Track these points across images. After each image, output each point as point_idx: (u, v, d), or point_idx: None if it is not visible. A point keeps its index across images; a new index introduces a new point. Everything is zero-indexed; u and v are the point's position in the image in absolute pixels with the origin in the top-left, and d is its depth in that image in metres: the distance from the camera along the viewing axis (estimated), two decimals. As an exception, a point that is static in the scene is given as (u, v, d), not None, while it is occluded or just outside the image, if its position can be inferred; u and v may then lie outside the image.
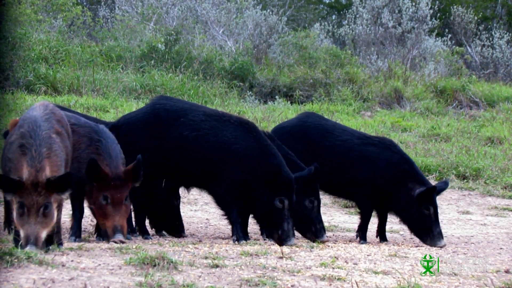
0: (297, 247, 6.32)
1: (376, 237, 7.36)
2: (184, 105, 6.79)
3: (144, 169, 6.17)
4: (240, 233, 6.56)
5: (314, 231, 6.86)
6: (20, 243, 5.04)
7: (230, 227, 7.77)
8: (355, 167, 7.15)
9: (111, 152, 6.06)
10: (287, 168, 6.52)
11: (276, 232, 6.46)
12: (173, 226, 6.99)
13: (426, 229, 7.02)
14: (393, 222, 7.52)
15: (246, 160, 6.51)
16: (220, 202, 6.66)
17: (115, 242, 5.80)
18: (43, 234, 5.09)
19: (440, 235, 7.00)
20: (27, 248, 4.95)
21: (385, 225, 7.35)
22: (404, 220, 7.14)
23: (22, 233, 5.05)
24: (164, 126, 6.60)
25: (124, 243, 5.84)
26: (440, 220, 7.22)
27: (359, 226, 7.28)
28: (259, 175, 6.47)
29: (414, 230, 7.12)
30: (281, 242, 6.41)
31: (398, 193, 7.07)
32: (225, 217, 6.73)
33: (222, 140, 6.55)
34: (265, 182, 6.44)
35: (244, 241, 6.46)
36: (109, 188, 5.94)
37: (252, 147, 6.55)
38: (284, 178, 6.43)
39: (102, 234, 6.11)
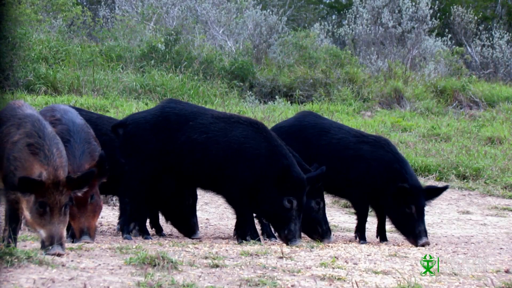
0: (297, 247, 6.32)
1: (376, 237, 7.35)
2: (193, 108, 6.81)
3: (150, 170, 6.33)
4: (253, 233, 6.59)
5: (321, 232, 6.89)
6: (43, 244, 5.03)
7: (230, 227, 7.79)
8: (349, 166, 7.15)
9: (75, 151, 5.97)
10: (298, 168, 6.54)
11: (282, 232, 6.50)
12: (185, 226, 7.00)
13: (408, 227, 7.02)
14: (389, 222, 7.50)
15: (256, 159, 6.54)
16: (233, 201, 6.67)
17: (86, 242, 5.75)
18: (65, 233, 5.10)
19: (422, 233, 6.98)
20: (54, 250, 4.94)
21: (384, 225, 7.34)
22: (391, 219, 7.14)
23: (44, 233, 5.02)
24: (173, 130, 6.63)
25: (89, 243, 5.78)
26: (440, 220, 7.23)
27: (357, 227, 7.27)
28: (269, 175, 6.49)
29: (398, 228, 7.12)
30: (287, 242, 6.44)
31: (389, 192, 7.06)
32: (237, 215, 6.73)
33: (232, 140, 6.58)
34: (274, 182, 6.46)
35: (255, 240, 6.48)
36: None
37: (262, 147, 6.58)
38: (293, 178, 6.45)
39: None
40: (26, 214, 5.09)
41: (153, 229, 7.18)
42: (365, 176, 7.11)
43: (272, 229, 7.12)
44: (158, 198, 7.03)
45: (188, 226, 7.01)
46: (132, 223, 6.78)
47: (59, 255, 4.96)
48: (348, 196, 7.38)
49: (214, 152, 6.57)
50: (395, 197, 6.97)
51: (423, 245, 6.88)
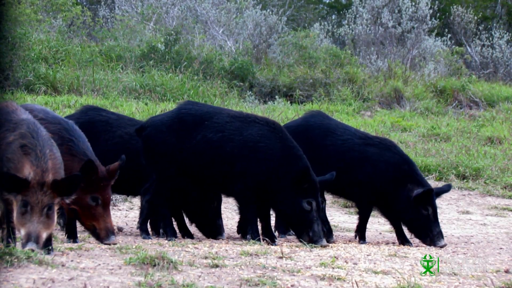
0: (297, 247, 6.32)
1: (400, 243, 7.22)
2: (208, 109, 6.88)
3: (168, 171, 6.56)
4: (255, 233, 6.59)
5: (326, 232, 6.96)
6: (21, 242, 5.03)
7: (230, 227, 7.79)
8: (355, 168, 7.15)
9: (86, 151, 5.96)
10: (311, 170, 6.55)
11: (306, 234, 6.50)
12: (210, 228, 6.99)
13: (426, 229, 7.01)
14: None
15: (269, 159, 6.56)
16: (239, 198, 6.70)
17: (111, 244, 5.74)
18: (45, 234, 5.06)
19: (440, 235, 6.99)
20: (28, 246, 4.94)
21: (401, 228, 7.22)
22: (404, 221, 7.12)
23: (23, 232, 5.02)
24: (189, 130, 6.69)
25: (116, 244, 5.79)
26: (440, 220, 7.21)
27: (358, 226, 7.27)
28: (284, 176, 6.51)
29: (413, 231, 7.10)
30: (313, 243, 6.45)
31: (398, 194, 7.05)
32: (241, 214, 6.78)
33: (247, 138, 6.61)
34: (292, 184, 6.47)
35: (255, 240, 6.48)
36: (99, 189, 5.80)
37: (277, 147, 6.60)
38: (309, 180, 6.47)
39: (93, 235, 5.90)
40: (14, 214, 5.08)
41: (153, 231, 7.14)
42: (371, 178, 7.10)
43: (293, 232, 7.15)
44: (183, 200, 7.01)
45: (214, 228, 6.99)
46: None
47: (32, 250, 4.91)
48: (352, 196, 7.38)
49: (228, 149, 6.60)
50: (416, 199, 6.96)
51: (441, 247, 6.87)
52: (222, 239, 6.88)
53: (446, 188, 7.36)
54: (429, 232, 7.00)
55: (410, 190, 7.02)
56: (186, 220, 7.18)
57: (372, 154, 7.16)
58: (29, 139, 5.12)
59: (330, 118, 7.55)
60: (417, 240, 7.26)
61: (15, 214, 5.07)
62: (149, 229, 7.04)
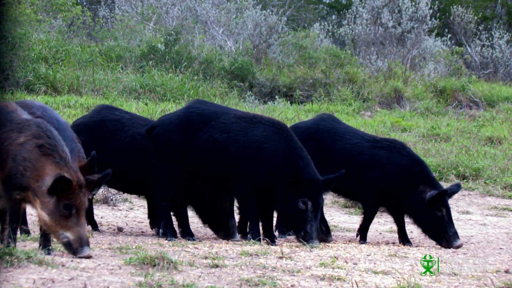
0: (297, 247, 6.32)
1: (400, 243, 7.27)
2: (216, 108, 6.90)
3: (177, 170, 6.58)
4: (255, 233, 6.60)
5: (324, 230, 6.98)
6: (70, 246, 5.01)
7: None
8: (364, 171, 7.14)
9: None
10: (313, 169, 6.56)
11: (299, 233, 6.53)
12: (223, 228, 6.97)
13: (441, 231, 6.99)
14: (393, 222, 7.51)
15: (271, 160, 6.58)
16: (241, 198, 6.72)
17: None
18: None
19: (455, 235, 6.96)
20: (85, 252, 4.95)
21: (404, 229, 7.26)
22: (418, 222, 7.09)
23: (72, 236, 4.99)
24: (195, 129, 6.71)
25: None
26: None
27: (360, 226, 7.27)
28: (284, 176, 6.53)
29: (428, 232, 7.06)
30: (305, 243, 6.46)
31: (410, 195, 7.02)
32: (242, 213, 6.80)
33: (252, 139, 6.64)
34: (289, 183, 6.48)
35: (255, 240, 6.50)
36: None
37: (280, 148, 6.61)
38: (308, 180, 6.48)
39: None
40: (43, 215, 5.02)
41: (153, 229, 7.17)
42: (381, 181, 7.09)
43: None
44: (195, 200, 7.01)
45: (226, 229, 6.98)
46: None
47: (89, 257, 4.96)
48: (359, 198, 7.37)
49: (233, 150, 6.62)
50: (429, 202, 6.94)
51: (457, 247, 6.86)
52: (236, 240, 6.87)
53: (456, 189, 7.33)
54: (445, 233, 6.97)
55: (422, 192, 7.00)
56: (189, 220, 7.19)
57: (382, 157, 7.16)
58: (45, 139, 5.11)
59: (340, 122, 7.56)
60: (417, 240, 7.27)
61: (46, 216, 5.02)
62: (149, 229, 7.05)
